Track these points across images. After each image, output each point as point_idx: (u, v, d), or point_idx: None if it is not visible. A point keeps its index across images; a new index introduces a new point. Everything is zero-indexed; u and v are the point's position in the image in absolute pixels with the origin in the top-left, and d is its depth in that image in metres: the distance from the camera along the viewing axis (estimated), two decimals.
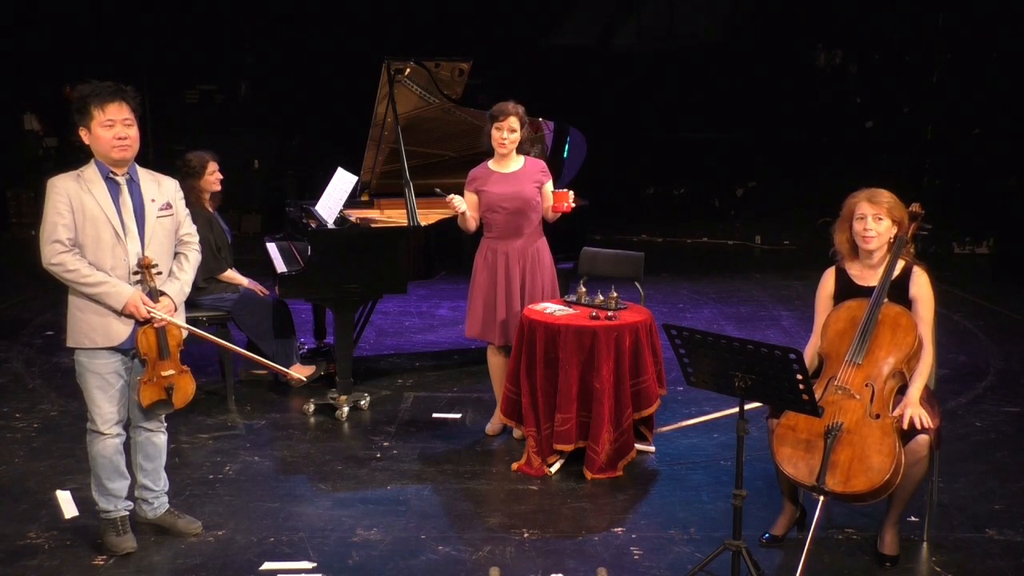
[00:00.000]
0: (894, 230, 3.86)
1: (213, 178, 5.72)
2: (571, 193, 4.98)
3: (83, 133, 3.71)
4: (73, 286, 3.69)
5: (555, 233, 5.12)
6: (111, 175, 3.72)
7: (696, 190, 11.53)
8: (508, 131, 4.89)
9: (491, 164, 5.03)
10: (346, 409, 5.45)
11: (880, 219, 3.84)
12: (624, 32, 11.21)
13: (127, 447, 3.95)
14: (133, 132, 3.70)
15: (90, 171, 3.71)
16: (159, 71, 10.82)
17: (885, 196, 3.87)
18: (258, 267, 6.45)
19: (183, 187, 5.57)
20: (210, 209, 5.77)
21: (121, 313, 3.69)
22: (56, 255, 3.63)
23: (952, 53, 10.46)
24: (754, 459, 4.53)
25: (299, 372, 5.81)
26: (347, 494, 4.49)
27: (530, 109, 5.10)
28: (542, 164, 5.11)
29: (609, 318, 4.67)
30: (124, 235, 3.70)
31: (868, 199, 3.86)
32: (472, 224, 5.05)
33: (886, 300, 3.81)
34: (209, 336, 4.14)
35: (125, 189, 3.74)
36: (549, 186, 5.05)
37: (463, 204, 4.95)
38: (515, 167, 5.00)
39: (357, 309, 5.74)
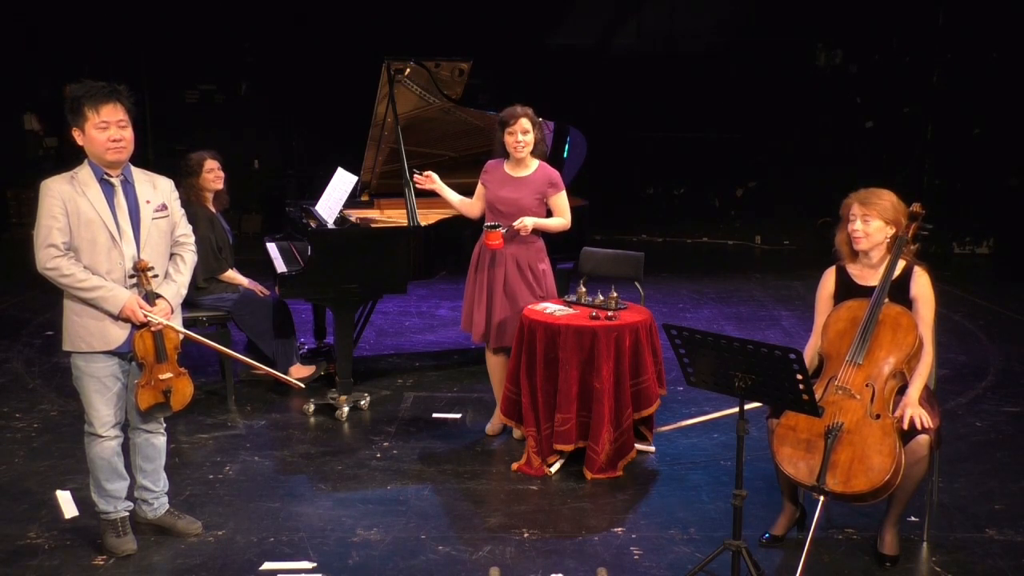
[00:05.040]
0: (889, 231, 3.85)
1: (211, 176, 5.71)
2: (501, 231, 4.85)
3: (76, 134, 3.68)
4: (68, 291, 3.67)
5: (555, 233, 5.11)
6: (105, 176, 3.69)
7: (696, 190, 11.54)
8: (521, 133, 4.85)
9: (505, 163, 5.01)
10: (346, 409, 5.45)
11: (868, 220, 3.84)
12: (624, 32, 11.22)
13: (126, 448, 3.95)
14: (128, 134, 3.67)
15: (84, 173, 3.68)
16: (159, 71, 10.82)
17: (878, 197, 3.85)
18: (258, 267, 6.46)
19: (183, 186, 5.62)
20: (213, 209, 5.77)
21: (118, 317, 3.68)
22: (51, 260, 3.60)
23: (952, 53, 10.46)
24: (754, 459, 4.53)
25: (299, 372, 5.82)
26: (347, 494, 4.49)
27: None
28: (554, 175, 4.99)
29: (609, 318, 4.67)
30: (119, 238, 3.68)
31: (860, 200, 3.86)
32: (467, 211, 5.13)
33: (887, 300, 3.81)
34: (206, 341, 4.11)
35: (120, 191, 3.72)
36: (557, 199, 4.97)
37: (424, 182, 5.10)
38: (525, 172, 4.97)
39: (357, 309, 5.74)
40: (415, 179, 5.16)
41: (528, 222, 4.85)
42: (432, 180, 5.10)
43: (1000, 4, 10.10)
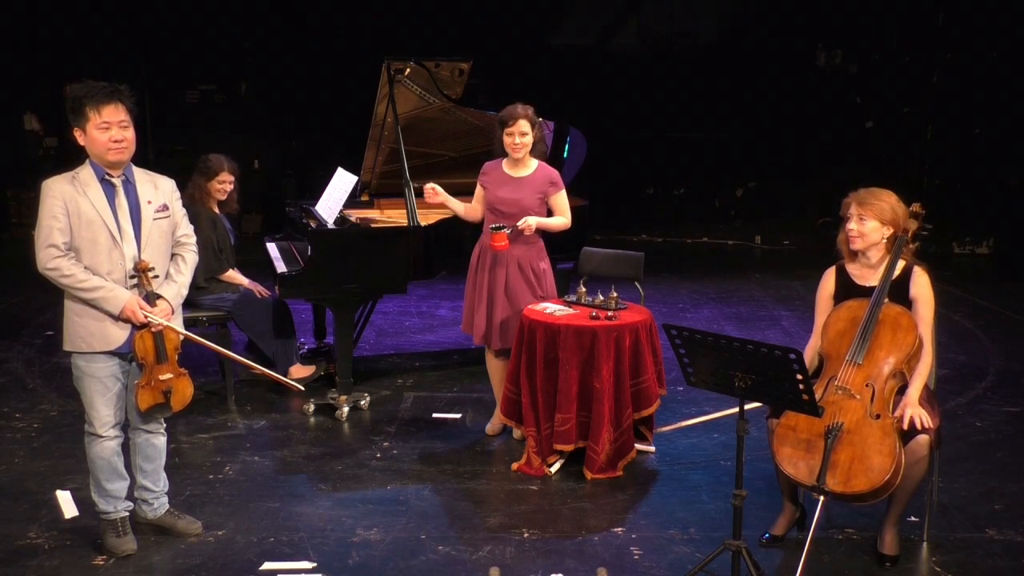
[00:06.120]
0: (885, 231, 3.85)
1: (221, 187, 5.69)
2: (506, 232, 4.85)
3: (78, 134, 3.67)
4: (69, 291, 3.67)
5: (555, 233, 5.12)
6: (106, 177, 3.69)
7: (696, 190, 11.53)
8: (519, 135, 4.84)
9: (504, 164, 5.00)
10: (346, 409, 5.45)
11: (864, 220, 3.84)
12: (624, 32, 11.21)
13: (126, 448, 3.95)
14: (129, 134, 3.67)
15: (85, 173, 3.68)
16: (159, 71, 10.82)
17: (876, 197, 3.85)
18: (258, 267, 6.45)
19: (192, 182, 5.62)
20: (216, 210, 5.76)
21: (118, 318, 3.68)
22: (51, 260, 3.60)
23: (952, 53, 10.46)
24: (754, 459, 4.53)
25: (299, 372, 5.82)
26: (347, 494, 4.49)
27: None
28: (554, 175, 4.99)
29: (609, 318, 4.67)
30: (120, 238, 3.68)
31: (858, 200, 3.87)
32: (470, 215, 5.12)
33: (886, 300, 3.81)
34: (206, 342, 4.11)
35: (121, 191, 3.71)
36: (558, 199, 4.97)
37: (432, 196, 5.03)
38: (525, 172, 4.96)
39: (357, 309, 5.74)
40: (425, 192, 5.07)
41: (532, 221, 4.85)
42: (437, 193, 5.05)
43: (1000, 4, 10.10)
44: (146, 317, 3.69)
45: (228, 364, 5.65)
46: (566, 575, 3.78)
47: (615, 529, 4.17)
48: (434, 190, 5.06)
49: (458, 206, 5.14)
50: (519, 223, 4.84)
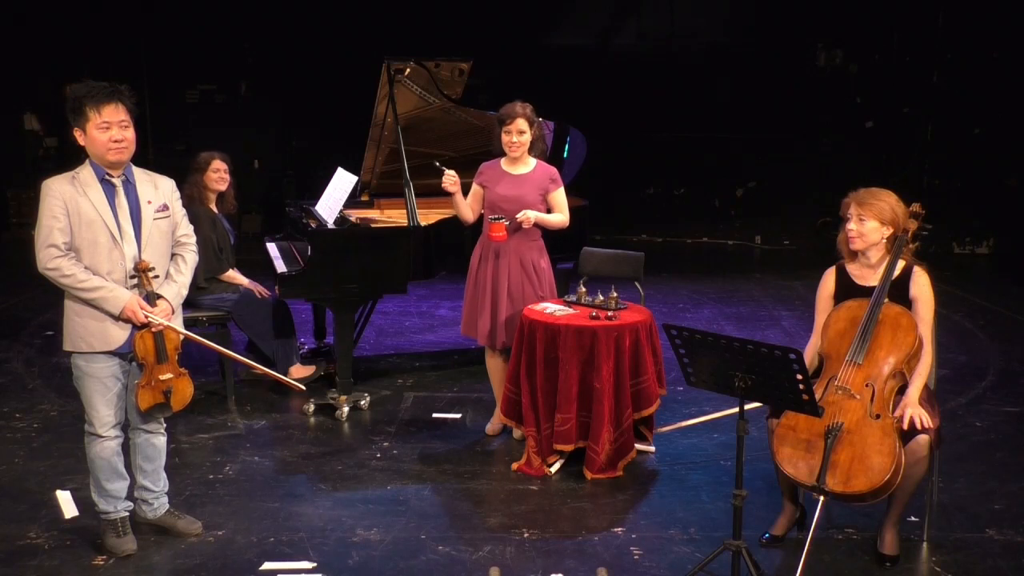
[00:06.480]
0: (885, 231, 3.85)
1: (216, 176, 5.70)
2: (504, 223, 4.85)
3: (78, 134, 3.67)
4: (69, 291, 3.67)
5: (555, 233, 5.12)
6: (107, 177, 3.69)
7: (696, 190, 11.54)
8: (517, 134, 4.84)
9: (503, 162, 5.00)
10: (346, 409, 5.45)
11: (864, 220, 3.84)
12: (624, 32, 11.22)
13: (126, 448, 3.95)
14: (129, 134, 3.67)
15: (85, 173, 3.68)
16: (159, 71, 10.82)
17: (875, 197, 3.85)
18: (258, 267, 6.45)
19: (188, 182, 5.63)
20: (215, 209, 5.76)
21: (118, 318, 3.68)
22: (51, 260, 3.60)
23: (952, 53, 10.46)
24: (754, 459, 4.53)
25: (299, 372, 5.82)
26: (347, 494, 4.49)
27: None
28: (553, 172, 5.00)
29: (609, 318, 4.67)
30: (120, 238, 3.67)
31: (857, 200, 3.87)
32: (468, 214, 5.07)
33: (886, 300, 3.81)
34: (207, 342, 4.11)
35: (121, 191, 3.71)
36: (557, 196, 4.97)
37: (452, 184, 4.89)
38: (524, 170, 4.97)
39: (357, 309, 5.74)
40: (444, 173, 4.96)
41: (531, 214, 4.84)
42: (456, 183, 4.96)
43: (1000, 4, 10.10)
44: (146, 317, 3.69)
45: (228, 364, 5.65)
46: (566, 575, 3.78)
47: (615, 529, 4.17)
48: (455, 180, 4.97)
49: (465, 209, 5.08)
50: (518, 215, 4.84)
